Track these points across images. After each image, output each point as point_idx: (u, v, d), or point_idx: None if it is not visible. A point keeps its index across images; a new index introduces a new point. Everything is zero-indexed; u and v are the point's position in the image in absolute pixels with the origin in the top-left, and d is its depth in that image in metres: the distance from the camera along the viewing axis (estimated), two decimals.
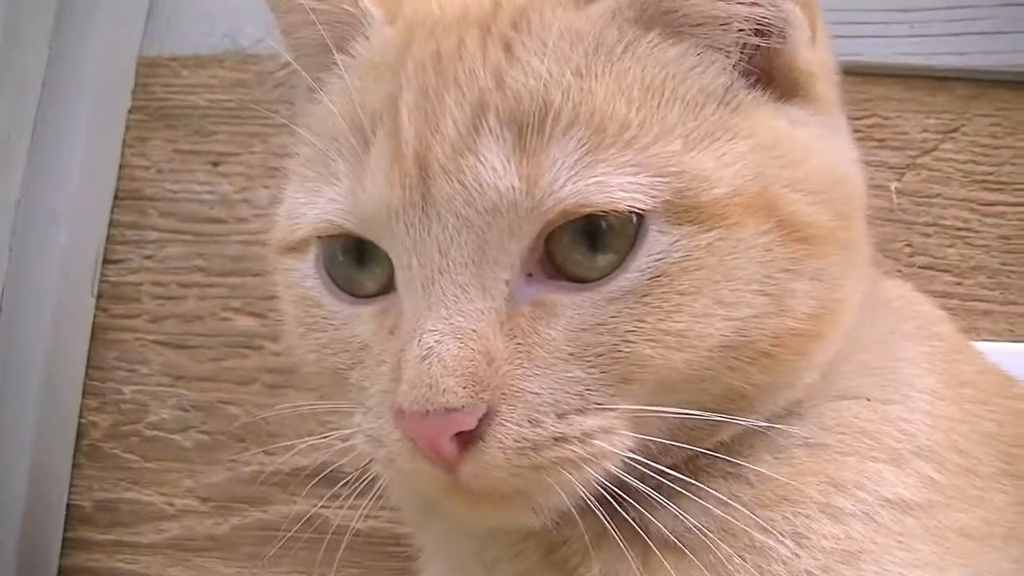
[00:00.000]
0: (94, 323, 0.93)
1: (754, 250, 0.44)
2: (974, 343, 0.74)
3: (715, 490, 0.46)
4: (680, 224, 0.43)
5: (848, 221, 0.48)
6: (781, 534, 0.45)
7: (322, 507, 0.89)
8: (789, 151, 0.47)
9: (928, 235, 0.91)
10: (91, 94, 0.93)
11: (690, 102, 0.46)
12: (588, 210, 0.43)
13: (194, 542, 0.90)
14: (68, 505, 0.92)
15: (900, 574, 0.45)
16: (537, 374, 0.43)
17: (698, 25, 0.47)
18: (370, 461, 0.48)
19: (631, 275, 0.43)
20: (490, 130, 0.43)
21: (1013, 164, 0.93)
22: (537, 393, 0.43)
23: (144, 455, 0.92)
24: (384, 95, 0.46)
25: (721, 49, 0.47)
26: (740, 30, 0.47)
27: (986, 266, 0.91)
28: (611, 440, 0.44)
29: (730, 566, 0.45)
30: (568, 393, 0.43)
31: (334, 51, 0.50)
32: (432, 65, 0.46)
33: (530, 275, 0.44)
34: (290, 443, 0.89)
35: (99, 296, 0.94)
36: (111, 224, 0.94)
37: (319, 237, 0.48)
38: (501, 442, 0.42)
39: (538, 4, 0.47)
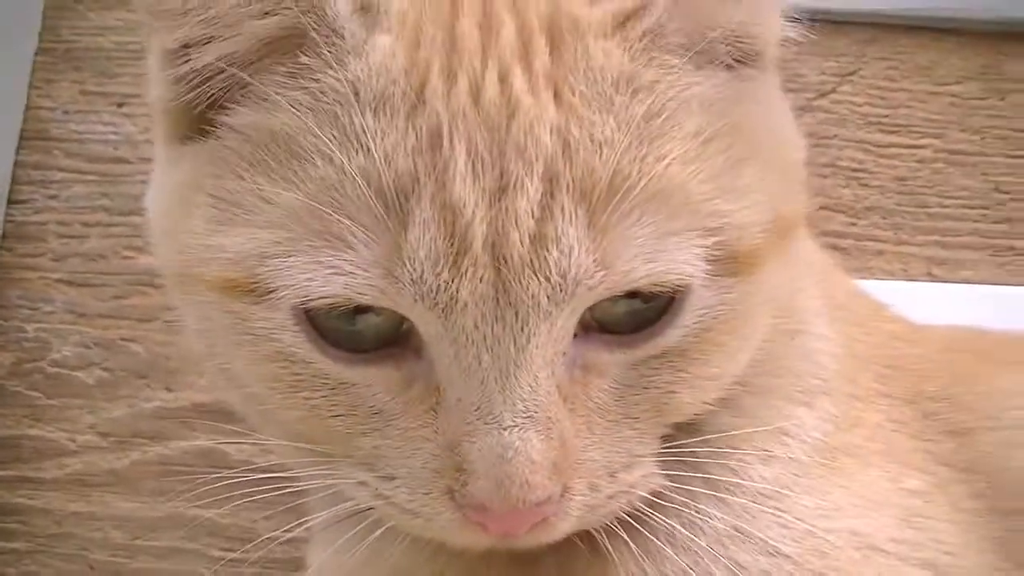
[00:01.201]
0: None
1: (773, 277, 0.46)
2: (868, 282, 0.76)
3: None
4: (719, 276, 0.43)
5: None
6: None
7: (223, 442, 0.92)
8: (779, 144, 0.47)
9: (824, 176, 0.92)
10: None
11: (723, 140, 0.43)
12: (658, 289, 0.41)
13: (95, 477, 0.90)
14: None
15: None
16: (596, 443, 0.43)
17: (720, 42, 0.43)
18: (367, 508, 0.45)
19: (677, 331, 0.43)
20: (563, 210, 0.39)
21: (908, 107, 0.94)
22: (596, 460, 0.43)
23: (46, 392, 0.92)
24: (412, 149, 0.39)
25: (722, 63, 0.44)
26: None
27: (880, 207, 0.92)
28: (647, 482, 0.45)
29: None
30: (618, 453, 0.43)
31: (302, 53, 0.41)
32: (474, 115, 0.39)
33: (575, 335, 0.42)
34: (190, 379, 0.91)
35: (3, 236, 0.94)
36: (16, 165, 0.95)
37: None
38: (568, 513, 0.42)
39: (571, 28, 0.41)
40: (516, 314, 0.39)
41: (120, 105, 0.95)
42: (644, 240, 0.40)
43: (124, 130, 0.95)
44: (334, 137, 0.40)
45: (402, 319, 0.41)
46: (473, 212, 0.38)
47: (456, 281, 0.39)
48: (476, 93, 0.40)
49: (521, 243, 0.39)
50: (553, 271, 0.39)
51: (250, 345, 0.43)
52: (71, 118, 0.96)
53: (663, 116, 0.41)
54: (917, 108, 0.94)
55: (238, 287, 0.42)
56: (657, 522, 0.45)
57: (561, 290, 0.39)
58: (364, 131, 0.39)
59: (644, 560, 0.45)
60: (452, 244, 0.39)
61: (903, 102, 0.93)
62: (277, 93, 0.41)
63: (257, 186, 0.41)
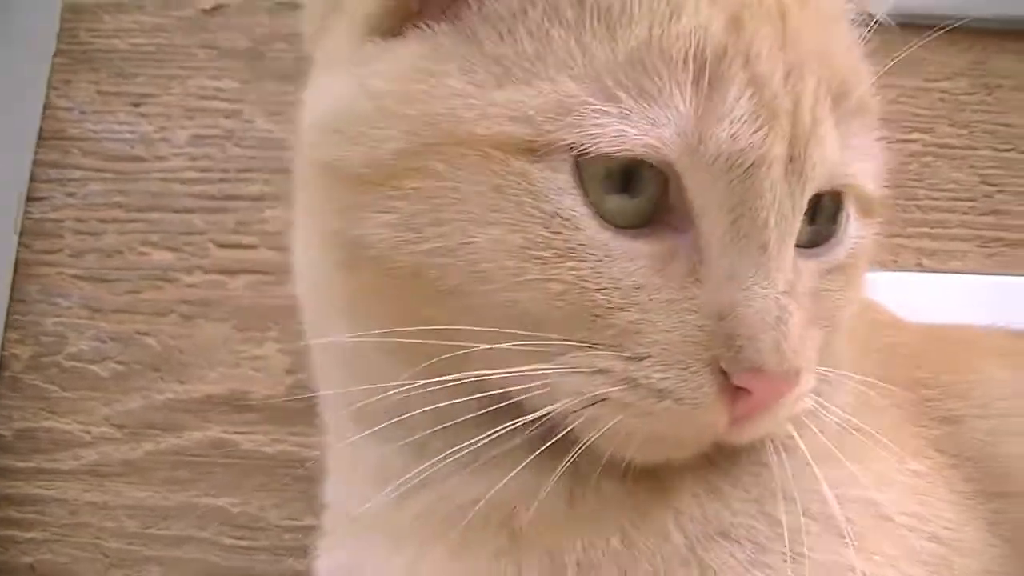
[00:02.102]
0: (17, 259, 0.96)
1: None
2: None
3: None
4: (860, 216, 0.49)
5: None
6: None
7: (234, 432, 0.94)
8: None
9: None
10: (18, 40, 0.97)
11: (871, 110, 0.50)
12: (855, 191, 0.48)
13: (109, 467, 0.92)
14: None
15: None
16: (811, 339, 0.46)
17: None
18: (577, 407, 0.43)
19: (844, 247, 0.48)
20: (827, 104, 0.45)
21: (899, 103, 0.99)
22: (808, 356, 0.45)
23: (63, 385, 0.94)
24: (721, 25, 0.43)
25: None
26: None
27: None
28: (807, 399, 0.47)
29: None
30: (812, 356, 0.46)
31: None
32: (759, 8, 0.44)
33: None
34: (202, 372, 0.94)
35: (22, 232, 0.97)
36: (35, 163, 0.98)
37: (589, 155, 0.42)
38: (791, 402, 0.45)
39: None
40: (799, 180, 0.44)
41: (136, 105, 0.98)
42: (858, 144, 0.47)
43: (140, 129, 0.98)
44: (653, 4, 0.43)
45: (666, 192, 0.43)
46: (777, 87, 0.43)
47: (771, 137, 0.42)
48: None
49: (808, 120, 0.44)
50: (825, 146, 0.44)
51: (518, 209, 0.42)
52: (88, 118, 0.99)
53: (850, 32, 0.50)
54: (907, 103, 0.97)
55: (519, 144, 0.42)
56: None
57: (822, 167, 0.44)
58: (681, 3, 0.43)
59: (703, 498, 0.47)
60: (764, 108, 0.42)
61: (893, 98, 0.96)
62: None
63: (563, 43, 0.43)
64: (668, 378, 0.42)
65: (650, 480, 0.48)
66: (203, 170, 0.96)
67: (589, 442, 0.44)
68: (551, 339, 0.43)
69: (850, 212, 0.49)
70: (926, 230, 0.95)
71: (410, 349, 0.45)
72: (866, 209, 0.50)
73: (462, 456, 0.46)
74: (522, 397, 0.44)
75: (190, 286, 0.95)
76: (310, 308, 0.56)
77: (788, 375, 0.42)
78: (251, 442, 0.93)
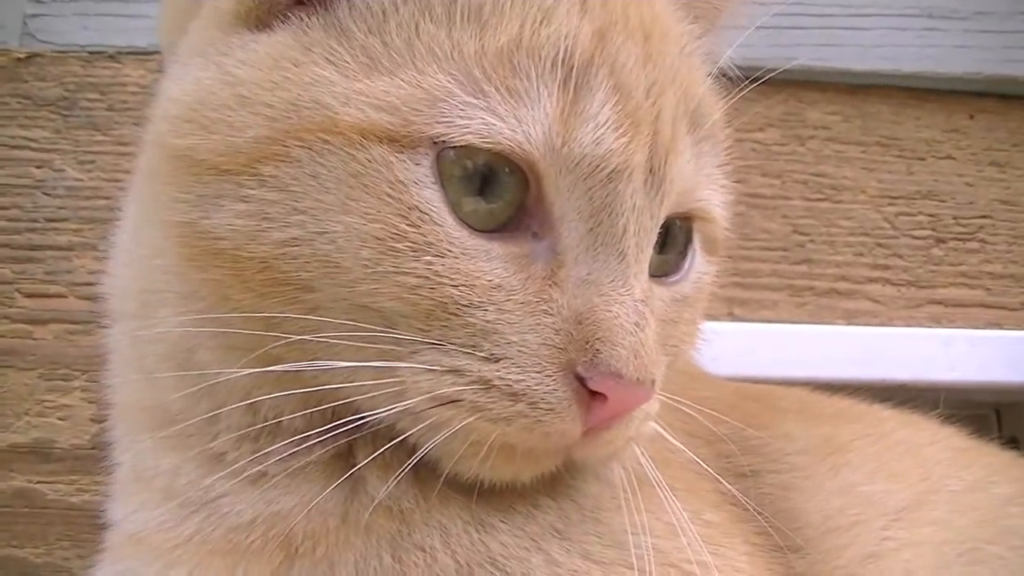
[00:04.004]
0: None
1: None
2: None
3: None
4: (705, 254, 0.52)
5: None
6: None
7: (38, 482, 0.93)
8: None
9: None
10: None
11: (719, 140, 0.52)
12: (704, 220, 0.50)
13: None
14: None
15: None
16: (660, 361, 0.47)
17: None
18: (428, 408, 0.43)
19: (691, 279, 0.50)
20: (684, 124, 0.47)
21: None
22: (662, 375, 0.47)
23: None
24: (589, 35, 0.44)
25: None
26: None
27: None
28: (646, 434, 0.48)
29: None
30: (659, 380, 0.46)
31: None
32: (624, 25, 0.46)
33: None
34: (7, 421, 0.93)
35: None
36: None
37: (456, 147, 0.42)
38: (640, 418, 0.46)
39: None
40: (658, 193, 0.45)
41: None
42: (710, 169, 0.49)
43: None
44: (524, 7, 0.44)
45: (526, 195, 0.44)
46: (640, 98, 0.45)
47: (633, 145, 0.43)
48: (625, 12, 0.47)
49: (668, 133, 0.45)
50: (680, 160, 0.46)
51: (376, 198, 0.42)
52: None
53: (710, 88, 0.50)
54: None
55: (382, 134, 0.42)
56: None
57: (678, 182, 0.46)
58: (552, 9, 0.44)
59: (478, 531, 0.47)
60: (627, 117, 0.44)
61: None
62: None
63: (433, 36, 0.43)
64: (524, 380, 0.42)
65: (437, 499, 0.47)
66: (12, 219, 0.95)
67: (431, 448, 0.43)
68: (405, 336, 0.42)
69: (697, 247, 0.51)
70: (738, 279, 0.95)
71: (249, 339, 0.44)
72: (711, 247, 0.52)
73: (252, 470, 0.46)
74: (364, 396, 0.44)
75: None
76: (137, 300, 0.53)
77: (644, 384, 0.42)
78: (55, 492, 0.92)
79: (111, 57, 0.97)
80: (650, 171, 0.45)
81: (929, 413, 0.72)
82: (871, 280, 0.96)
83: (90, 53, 0.98)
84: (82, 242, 0.94)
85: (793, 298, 0.95)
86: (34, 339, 0.94)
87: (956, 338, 0.92)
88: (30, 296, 0.95)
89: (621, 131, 0.43)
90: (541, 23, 0.44)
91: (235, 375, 0.45)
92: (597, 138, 0.43)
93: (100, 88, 0.96)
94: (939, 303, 0.96)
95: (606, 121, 0.43)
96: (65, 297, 0.94)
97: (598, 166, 0.43)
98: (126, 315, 0.54)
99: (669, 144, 0.45)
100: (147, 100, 0.94)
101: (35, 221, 0.95)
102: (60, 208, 0.96)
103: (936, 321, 0.95)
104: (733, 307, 0.94)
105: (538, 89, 0.42)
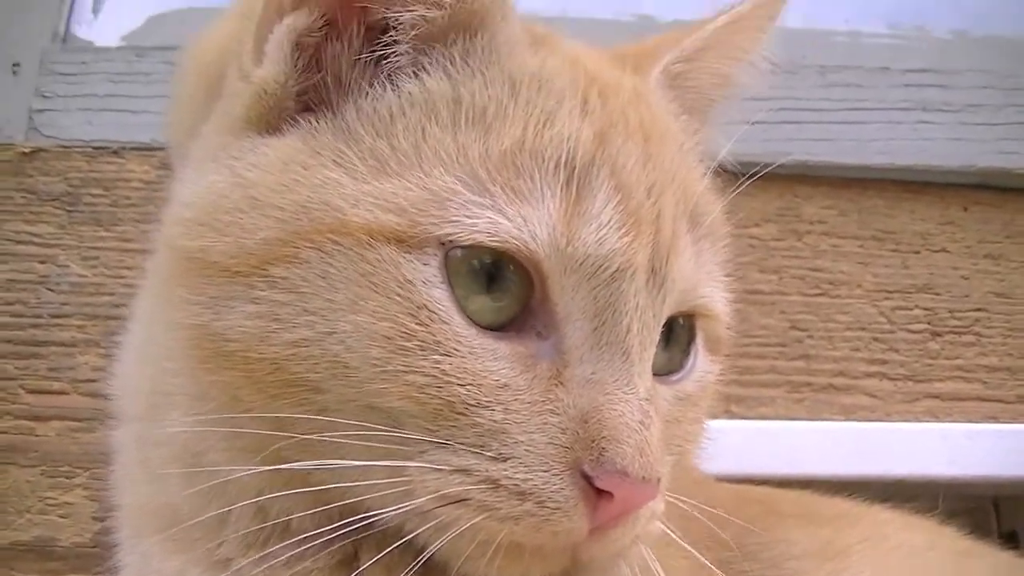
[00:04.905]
0: None
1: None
2: None
3: None
4: (707, 349, 0.52)
5: None
6: None
7: None
8: None
9: None
10: None
11: (722, 241, 0.54)
12: (706, 317, 0.51)
13: None
14: None
15: None
16: (665, 461, 0.47)
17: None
18: (431, 508, 0.43)
19: (694, 378, 0.51)
20: (684, 223, 0.48)
21: None
22: (667, 474, 0.47)
23: None
24: (590, 137, 0.46)
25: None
26: None
27: None
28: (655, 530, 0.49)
29: None
30: (665, 478, 0.47)
31: (469, 35, 0.48)
32: (624, 127, 0.48)
33: None
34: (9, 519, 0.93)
35: None
36: None
37: (463, 247, 0.43)
38: (646, 515, 0.46)
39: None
40: (660, 292, 0.46)
41: None
42: (711, 267, 0.50)
43: None
44: (527, 110, 0.46)
45: (531, 295, 0.45)
46: (642, 198, 0.46)
47: (635, 244, 0.45)
48: (624, 114, 0.49)
49: (668, 234, 0.47)
50: (681, 260, 0.47)
51: (385, 297, 0.43)
52: None
53: (709, 186, 0.52)
54: None
55: (390, 234, 0.43)
56: None
57: (679, 283, 0.47)
58: (554, 112, 0.46)
59: None
60: (629, 216, 0.45)
61: None
62: (462, 66, 0.47)
63: (439, 140, 0.45)
64: (531, 479, 0.42)
65: None
66: (16, 315, 0.96)
67: (438, 547, 0.44)
68: (413, 436, 0.43)
69: (699, 345, 0.51)
70: (735, 376, 0.95)
71: (259, 439, 0.45)
72: (714, 346, 0.52)
73: (258, 570, 0.46)
74: (372, 495, 0.44)
75: None
76: (147, 401, 0.53)
77: (649, 482, 0.43)
78: None
79: (115, 152, 0.98)
80: (652, 270, 0.46)
81: (929, 510, 0.72)
82: (868, 375, 0.97)
83: (94, 148, 0.99)
84: (85, 339, 0.94)
85: (791, 394, 0.95)
86: (36, 436, 0.94)
87: (954, 432, 0.93)
88: (33, 392, 0.95)
89: (624, 231, 0.44)
90: (544, 125, 0.45)
91: (245, 473, 0.45)
92: (600, 238, 0.44)
93: (104, 183, 0.97)
94: (936, 397, 0.97)
95: (608, 221, 0.44)
96: (68, 394, 0.95)
97: (602, 266, 0.44)
98: (134, 416, 0.54)
99: (670, 243, 0.46)
100: (150, 196, 0.96)
101: (39, 317, 0.96)
102: (64, 304, 0.96)
103: (933, 415, 0.96)
104: (731, 404, 0.95)
105: (542, 190, 0.44)
